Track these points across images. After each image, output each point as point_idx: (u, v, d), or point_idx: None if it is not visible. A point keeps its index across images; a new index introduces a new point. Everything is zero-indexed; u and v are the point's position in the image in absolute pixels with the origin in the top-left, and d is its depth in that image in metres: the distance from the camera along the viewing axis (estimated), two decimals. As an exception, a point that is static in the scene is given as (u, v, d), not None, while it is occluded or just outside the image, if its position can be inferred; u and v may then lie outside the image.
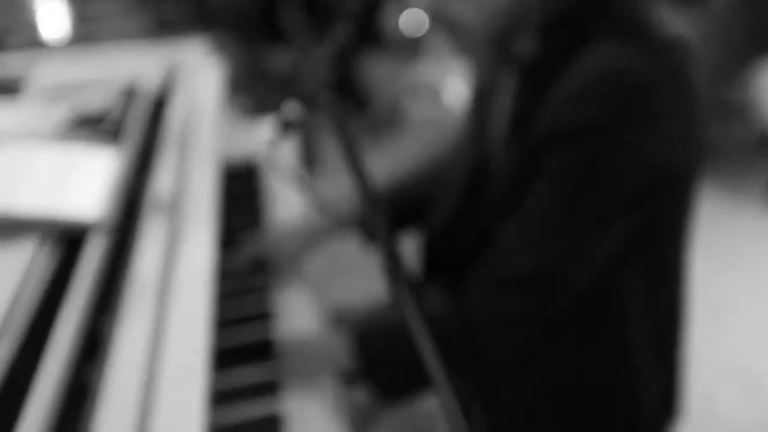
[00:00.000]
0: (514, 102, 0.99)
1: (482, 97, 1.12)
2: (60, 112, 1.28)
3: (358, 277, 2.43)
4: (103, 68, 1.54)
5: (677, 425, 1.15)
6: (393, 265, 0.64)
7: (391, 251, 0.66)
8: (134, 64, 1.55)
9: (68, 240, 0.92)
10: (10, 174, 1.00)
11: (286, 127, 0.96)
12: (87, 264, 0.88)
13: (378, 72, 4.69)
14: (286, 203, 1.47)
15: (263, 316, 1.14)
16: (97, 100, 1.34)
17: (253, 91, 4.83)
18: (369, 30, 4.99)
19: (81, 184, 1.00)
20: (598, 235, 0.88)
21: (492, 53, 0.99)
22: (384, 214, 0.73)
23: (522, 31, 0.92)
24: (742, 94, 3.39)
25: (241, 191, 1.51)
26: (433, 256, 1.23)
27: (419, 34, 4.54)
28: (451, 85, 4.09)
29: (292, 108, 0.95)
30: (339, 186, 1.06)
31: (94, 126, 1.24)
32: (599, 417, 1.05)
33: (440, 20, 0.95)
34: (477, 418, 1.01)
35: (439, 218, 1.18)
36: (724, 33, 3.46)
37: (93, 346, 0.79)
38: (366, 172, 0.79)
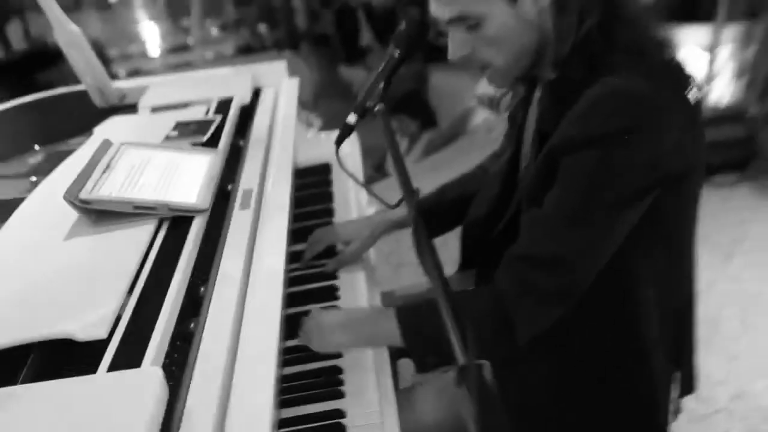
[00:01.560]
0: (538, 120, 1.08)
1: (516, 116, 1.21)
2: (169, 122, 1.45)
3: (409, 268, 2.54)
4: (205, 86, 1.70)
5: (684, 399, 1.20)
6: (429, 258, 0.75)
7: (426, 245, 0.77)
8: (231, 82, 1.71)
9: (182, 220, 1.08)
10: (135, 170, 1.17)
11: (346, 133, 1.05)
12: (192, 239, 1.04)
13: (446, 88, 4.74)
14: (352, 200, 1.61)
15: (328, 291, 1.28)
16: (198, 113, 1.51)
17: (332, 103, 4.95)
18: (435, 50, 5.05)
19: (188, 178, 1.17)
20: (608, 224, 0.93)
21: (519, 84, 1.09)
22: (417, 209, 0.85)
23: (543, 64, 1.01)
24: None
25: (316, 188, 1.66)
26: (471, 245, 1.32)
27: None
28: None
29: (352, 118, 1.04)
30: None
31: (195, 133, 1.38)
32: (616, 390, 1.09)
33: (475, 62, 1.02)
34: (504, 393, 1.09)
35: (478, 213, 1.27)
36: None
37: (195, 303, 0.95)
38: (407, 176, 0.91)
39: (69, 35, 1.63)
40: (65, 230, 1.07)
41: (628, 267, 1.01)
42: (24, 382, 0.80)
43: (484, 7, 0.94)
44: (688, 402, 1.23)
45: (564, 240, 0.96)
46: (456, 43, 1.01)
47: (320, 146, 1.80)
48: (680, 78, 0.97)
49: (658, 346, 1.07)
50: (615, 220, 0.95)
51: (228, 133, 1.42)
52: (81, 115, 1.69)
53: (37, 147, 1.74)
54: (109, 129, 1.49)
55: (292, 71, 1.83)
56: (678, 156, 0.95)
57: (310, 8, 6.25)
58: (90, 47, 1.67)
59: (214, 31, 7.32)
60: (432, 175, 3.45)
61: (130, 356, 0.81)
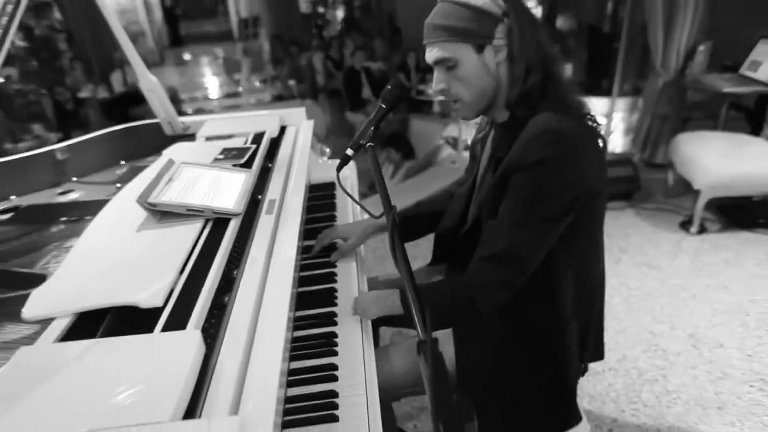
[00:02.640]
0: (493, 148, 1.09)
1: (477, 146, 1.20)
2: (214, 149, 1.43)
3: (389, 260, 2.53)
4: (246, 122, 1.68)
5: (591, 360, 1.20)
6: (400, 254, 0.75)
7: (398, 245, 0.77)
8: (264, 120, 1.70)
9: (222, 220, 1.06)
10: (190, 182, 1.15)
11: (345, 161, 1.06)
12: (229, 235, 1.02)
13: (422, 131, 4.78)
14: (349, 209, 1.59)
15: (329, 275, 1.26)
16: (238, 142, 1.49)
17: (339, 138, 4.96)
18: (416, 104, 5.10)
19: (229, 190, 1.15)
20: (546, 228, 0.94)
21: (478, 116, 1.08)
22: (394, 222, 0.84)
23: (497, 105, 1.02)
24: (665, 154, 3.39)
25: (324, 200, 1.65)
26: (443, 245, 1.30)
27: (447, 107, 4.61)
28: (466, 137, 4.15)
29: (350, 151, 1.05)
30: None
31: (236, 157, 1.37)
32: (547, 339, 1.08)
33: (447, 96, 1.02)
34: (465, 346, 1.09)
35: (448, 222, 1.26)
36: (653, 113, 3.46)
37: (228, 284, 0.93)
38: (387, 196, 0.91)
39: (149, 83, 1.62)
40: (137, 225, 1.05)
41: (555, 259, 1.00)
42: (101, 336, 0.78)
43: (459, 53, 0.96)
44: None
45: (513, 242, 0.96)
46: (438, 80, 1.02)
47: (328, 169, 1.78)
48: (591, 124, 0.98)
49: (572, 319, 1.07)
50: (551, 224, 0.95)
51: (259, 157, 1.40)
52: (155, 141, 1.67)
53: (122, 162, 1.73)
54: (174, 151, 1.46)
55: (311, 114, 1.82)
56: (592, 178, 0.96)
57: (326, 69, 6.28)
58: (164, 91, 1.66)
59: (257, 83, 7.33)
60: (411, 192, 3.48)
61: (178, 320, 0.79)
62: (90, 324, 0.81)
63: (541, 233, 0.96)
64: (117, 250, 0.98)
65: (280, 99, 6.37)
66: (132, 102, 5.65)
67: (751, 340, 2.09)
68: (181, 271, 0.90)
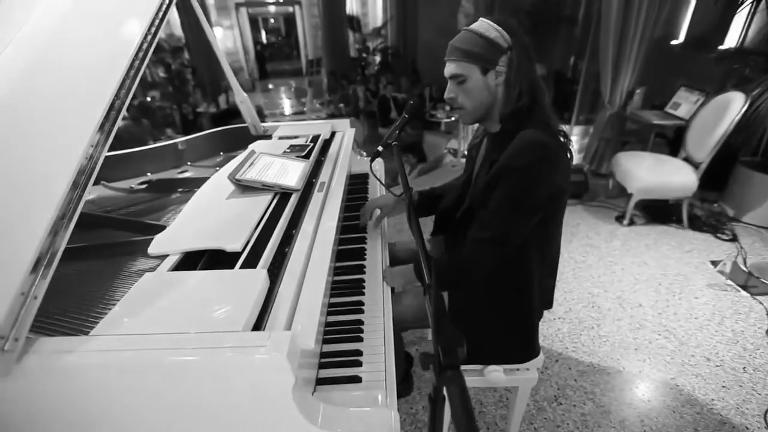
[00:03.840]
0: (486, 153, 1.01)
1: (473, 150, 1.12)
2: (284, 145, 1.38)
3: (406, 232, 2.47)
4: (308, 128, 1.62)
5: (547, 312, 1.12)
6: (415, 227, 0.69)
7: (414, 220, 0.72)
8: (320, 127, 1.65)
9: (286, 194, 1.03)
10: (265, 166, 1.12)
11: (376, 155, 1.01)
12: (290, 205, 0.98)
13: (432, 142, 4.66)
14: (378, 193, 1.54)
15: (361, 250, 1.21)
16: (302, 141, 1.45)
17: (372, 146, 4.90)
18: (429, 122, 4.98)
19: (292, 173, 1.11)
20: (528, 217, 0.88)
21: (475, 123, 1.01)
22: (411, 200, 0.79)
23: (491, 118, 0.96)
24: (608, 166, 3.24)
25: (360, 185, 1.59)
26: (442, 222, 1.23)
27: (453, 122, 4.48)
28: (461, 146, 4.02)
29: (380, 148, 1.00)
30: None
31: (299, 151, 1.32)
32: (518, 295, 1.01)
33: (454, 104, 0.95)
34: (457, 296, 1.03)
35: (447, 205, 1.19)
36: (601, 136, 3.30)
37: (288, 239, 0.89)
38: (407, 181, 0.87)
39: (241, 97, 1.58)
40: (227, 195, 1.02)
41: (529, 239, 0.93)
42: (200, 269, 0.76)
43: (468, 71, 0.90)
44: (546, 313, 1.15)
45: (501, 227, 0.89)
46: (449, 89, 0.95)
47: (364, 164, 1.73)
48: (564, 140, 0.90)
49: (536, 281, 1.01)
50: (531, 214, 0.88)
51: (315, 152, 1.35)
52: (244, 138, 1.64)
53: (221, 153, 1.70)
54: (256, 145, 1.42)
55: (353, 127, 1.77)
56: (562, 181, 0.90)
57: (365, 97, 6.18)
58: (251, 105, 1.61)
59: (317, 105, 7.27)
60: (422, 185, 3.36)
61: (251, 262, 0.76)
62: (194, 260, 0.79)
63: (522, 221, 0.89)
64: (213, 212, 0.96)
65: (332, 117, 6.29)
66: (232, 116, 5.67)
67: (662, 303, 1.99)
68: (256, 228, 0.87)
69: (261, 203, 0.96)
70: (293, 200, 1.01)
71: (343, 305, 0.93)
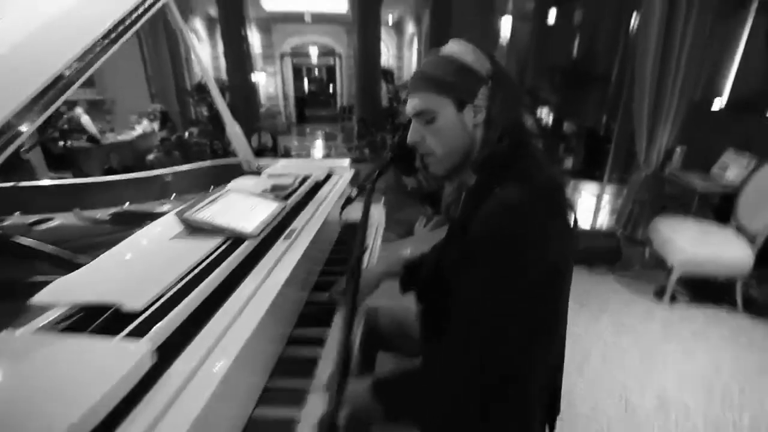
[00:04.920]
0: (461, 214, 0.78)
1: (449, 208, 0.91)
2: (267, 184, 1.25)
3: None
4: (303, 168, 1.48)
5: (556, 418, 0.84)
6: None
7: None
8: (317, 167, 1.51)
9: (237, 240, 0.84)
10: (227, 206, 0.96)
11: (348, 202, 0.84)
12: (237, 254, 0.80)
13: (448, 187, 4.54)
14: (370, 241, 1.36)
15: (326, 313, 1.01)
16: (288, 180, 1.31)
17: (394, 193, 4.81)
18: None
19: (256, 216, 0.94)
20: (515, 328, 0.62)
21: (449, 176, 0.79)
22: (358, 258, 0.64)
23: (467, 167, 0.75)
24: (644, 232, 2.92)
25: (352, 238, 1.42)
26: (410, 281, 0.98)
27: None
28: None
29: (354, 192, 0.83)
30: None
31: (280, 191, 1.18)
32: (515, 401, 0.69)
33: (421, 149, 0.76)
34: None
35: (423, 268, 0.94)
36: (635, 198, 3.02)
37: (218, 298, 0.71)
38: (364, 236, 0.70)
39: (232, 129, 1.50)
40: (172, 235, 0.85)
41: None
42: (91, 332, 0.57)
43: (439, 106, 0.71)
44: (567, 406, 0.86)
45: (475, 353, 0.63)
46: (414, 131, 0.76)
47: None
48: (559, 196, 0.67)
49: (537, 405, 0.74)
50: (524, 318, 0.63)
51: (298, 194, 1.20)
52: (235, 174, 1.52)
53: (211, 188, 1.60)
54: (237, 182, 1.29)
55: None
56: (559, 253, 0.64)
57: (391, 146, 6.25)
58: (244, 137, 1.52)
59: (344, 150, 7.39)
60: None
61: (144, 330, 0.57)
62: (90, 318, 0.60)
63: (507, 335, 0.62)
64: (144, 255, 0.79)
65: (357, 161, 6.34)
66: (259, 154, 5.83)
67: (716, 408, 1.60)
68: (179, 282, 0.69)
69: (202, 249, 0.79)
70: (243, 249, 0.83)
71: (278, 391, 0.71)
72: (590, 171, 4.43)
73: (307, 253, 0.94)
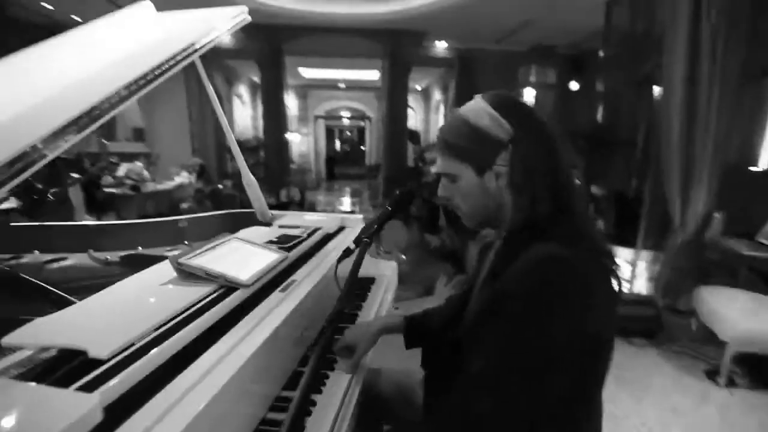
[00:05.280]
0: (492, 262, 0.73)
1: (485, 251, 0.84)
2: (275, 234, 1.24)
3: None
4: (314, 220, 1.49)
5: None
6: None
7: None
8: (329, 221, 1.51)
9: (230, 289, 0.81)
10: (227, 253, 0.94)
11: (346, 254, 0.80)
12: (225, 304, 0.76)
13: (474, 255, 4.40)
14: (376, 300, 1.29)
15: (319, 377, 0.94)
16: (296, 232, 1.29)
17: (416, 250, 4.75)
18: (473, 233, 4.78)
19: (253, 265, 0.91)
20: (533, 381, 0.56)
21: (482, 226, 0.75)
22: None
23: (502, 220, 0.70)
24: (687, 302, 2.65)
25: (360, 290, 1.36)
26: (430, 353, 0.89)
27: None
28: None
29: (352, 245, 0.79)
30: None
31: (285, 242, 1.15)
32: None
33: (450, 204, 0.75)
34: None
35: (435, 328, 0.90)
36: (676, 265, 2.80)
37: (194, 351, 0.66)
38: (350, 286, 0.70)
39: (248, 180, 1.53)
40: (165, 280, 0.83)
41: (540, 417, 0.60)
42: (59, 378, 0.52)
43: (459, 171, 0.70)
44: None
45: (494, 393, 0.58)
46: (442, 187, 0.74)
47: (376, 266, 1.52)
48: (607, 261, 0.61)
49: None
50: (544, 371, 0.56)
51: (303, 245, 1.17)
52: (250, 223, 1.53)
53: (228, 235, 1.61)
54: (248, 231, 1.29)
55: (398, 233, 1.63)
56: (599, 319, 0.58)
57: (418, 205, 6.28)
58: (258, 188, 1.55)
59: (369, 207, 7.50)
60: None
61: (102, 381, 0.52)
62: (67, 360, 0.56)
63: (527, 385, 0.56)
64: (129, 299, 0.76)
65: (380, 218, 6.39)
66: (285, 207, 6.01)
67: None
68: (157, 329, 0.65)
69: (191, 297, 0.76)
70: (233, 298, 0.79)
71: None
72: (622, 235, 4.22)
73: (302, 307, 0.88)
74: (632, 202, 4.09)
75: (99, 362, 0.55)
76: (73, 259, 1.27)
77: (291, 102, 10.59)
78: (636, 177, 4.33)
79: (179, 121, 6.92)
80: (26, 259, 1.24)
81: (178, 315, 0.69)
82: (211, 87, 1.34)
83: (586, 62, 6.82)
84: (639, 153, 4.39)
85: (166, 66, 0.92)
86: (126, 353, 0.58)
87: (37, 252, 1.30)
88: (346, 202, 8.61)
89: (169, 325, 0.66)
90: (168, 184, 5.70)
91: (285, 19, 5.96)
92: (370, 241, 0.77)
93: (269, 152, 7.64)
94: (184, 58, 1.00)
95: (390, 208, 0.81)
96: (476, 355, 0.60)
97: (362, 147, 14.58)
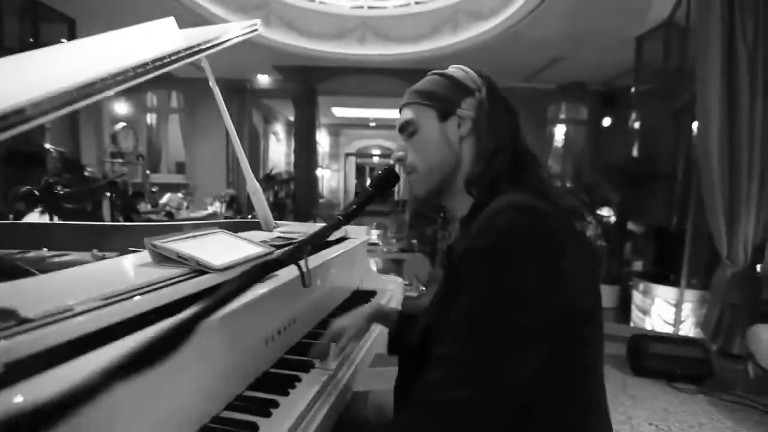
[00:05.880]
0: (454, 240, 0.67)
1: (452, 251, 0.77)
2: (269, 236, 1.21)
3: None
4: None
5: None
6: None
7: None
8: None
9: (202, 272, 0.76)
10: (209, 243, 0.91)
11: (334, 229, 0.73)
12: (198, 284, 0.71)
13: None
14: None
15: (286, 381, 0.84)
16: (293, 236, 1.25)
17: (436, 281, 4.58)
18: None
19: (231, 253, 0.87)
20: (512, 339, 0.47)
21: (431, 198, 0.69)
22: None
23: (454, 188, 0.65)
24: (742, 344, 2.32)
25: (359, 302, 1.26)
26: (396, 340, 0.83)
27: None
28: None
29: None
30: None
31: (275, 243, 1.11)
32: None
33: (404, 168, 0.70)
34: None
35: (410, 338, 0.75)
36: (726, 301, 2.48)
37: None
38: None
39: (253, 188, 1.53)
40: (142, 263, 0.80)
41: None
42: None
43: (422, 117, 0.67)
44: None
45: (463, 357, 0.49)
46: (398, 147, 0.71)
47: (375, 282, 1.43)
48: (576, 220, 0.55)
49: None
50: (524, 327, 0.48)
51: (293, 248, 1.11)
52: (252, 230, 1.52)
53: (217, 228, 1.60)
54: (248, 233, 1.25)
55: (420, 265, 1.56)
56: (579, 285, 0.51)
57: (443, 238, 6.18)
58: (263, 197, 1.54)
59: (392, 240, 7.40)
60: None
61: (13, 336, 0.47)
62: None
63: (505, 345, 0.47)
64: (92, 275, 0.74)
65: (403, 251, 6.24)
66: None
67: None
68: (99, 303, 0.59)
69: (153, 276, 0.71)
70: (199, 281, 0.73)
71: None
72: (663, 274, 3.87)
73: (272, 299, 0.81)
74: (673, 237, 3.78)
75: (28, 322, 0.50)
76: (74, 255, 1.28)
77: (323, 139, 11.03)
78: (677, 211, 4.04)
79: (217, 156, 7.33)
80: (32, 254, 1.27)
81: (133, 290, 0.64)
82: (218, 91, 1.37)
83: (618, 98, 6.69)
84: (679, 186, 4.12)
85: (169, 60, 0.95)
86: (58, 317, 0.53)
87: (45, 249, 1.32)
88: (373, 233, 8.62)
89: (117, 298, 0.61)
90: (200, 213, 5.94)
91: (319, 61, 6.34)
92: (343, 220, 0.70)
93: (299, 186, 7.87)
94: (189, 55, 1.02)
95: (371, 188, 0.75)
96: (443, 336, 0.50)
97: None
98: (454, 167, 0.65)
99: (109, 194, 3.16)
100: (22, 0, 4.16)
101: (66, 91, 0.70)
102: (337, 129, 11.62)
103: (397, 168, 0.76)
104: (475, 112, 0.63)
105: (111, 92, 0.83)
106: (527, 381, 0.48)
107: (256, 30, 1.33)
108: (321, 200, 9.42)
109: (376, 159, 14.28)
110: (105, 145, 6.34)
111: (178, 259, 0.78)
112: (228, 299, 0.39)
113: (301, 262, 0.58)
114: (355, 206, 0.73)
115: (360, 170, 14.78)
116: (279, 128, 9.69)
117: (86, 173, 3.79)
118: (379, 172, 0.77)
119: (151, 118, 7.44)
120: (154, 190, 6.31)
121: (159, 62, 0.93)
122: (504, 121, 0.62)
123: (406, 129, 0.69)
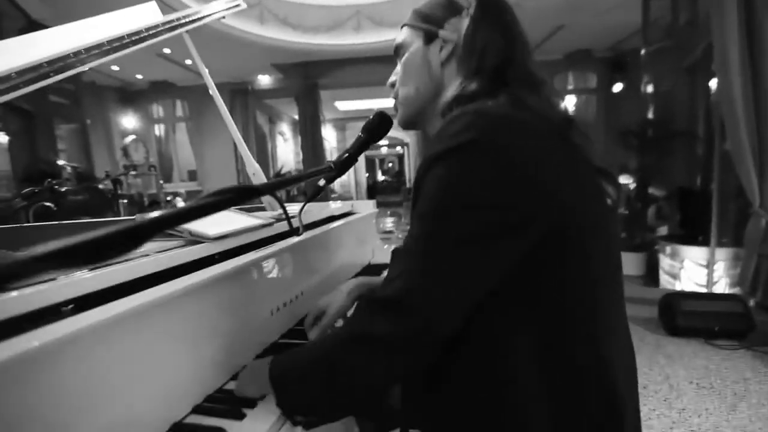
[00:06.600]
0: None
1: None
2: (272, 215, 1.15)
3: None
4: (329, 208, 1.37)
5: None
6: None
7: None
8: (339, 205, 1.41)
9: (195, 243, 0.72)
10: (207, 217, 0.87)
11: (318, 192, 0.73)
12: (189, 253, 0.67)
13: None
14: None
15: None
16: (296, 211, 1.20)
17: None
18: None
19: (229, 224, 0.82)
20: (458, 259, 0.43)
21: (411, 126, 0.65)
22: None
23: (431, 113, 0.61)
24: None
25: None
26: None
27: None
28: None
29: (322, 182, 0.69)
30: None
31: (278, 218, 1.06)
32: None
33: (394, 95, 0.65)
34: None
35: None
36: (760, 252, 2.33)
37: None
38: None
39: (253, 168, 1.48)
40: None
41: (494, 330, 0.45)
42: None
43: (411, 38, 0.62)
44: None
45: (407, 278, 0.45)
46: (394, 72, 0.66)
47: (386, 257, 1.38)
48: (555, 117, 0.49)
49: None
50: (467, 253, 0.43)
51: (297, 220, 1.05)
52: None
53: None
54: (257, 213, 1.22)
55: None
56: (556, 175, 0.45)
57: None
58: (264, 177, 1.49)
59: (407, 226, 7.35)
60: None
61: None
62: None
63: (451, 267, 0.43)
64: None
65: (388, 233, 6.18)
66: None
67: None
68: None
69: (144, 247, 0.67)
70: (191, 251, 0.68)
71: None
72: (691, 235, 3.69)
73: (261, 269, 0.76)
74: (699, 197, 3.59)
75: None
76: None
77: (330, 135, 10.99)
78: (700, 170, 3.83)
79: (227, 160, 7.38)
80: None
81: (125, 259, 0.60)
82: (206, 71, 1.32)
83: (627, 62, 6.41)
84: (700, 144, 3.92)
85: (146, 33, 0.91)
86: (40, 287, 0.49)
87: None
88: (388, 221, 8.66)
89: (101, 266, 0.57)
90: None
91: (317, 55, 6.27)
92: (335, 170, 0.65)
93: (308, 182, 7.87)
94: (169, 29, 0.99)
95: (363, 135, 0.69)
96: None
97: (401, 175, 14.70)
98: (434, 95, 0.60)
99: (123, 201, 3.19)
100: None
101: (36, 64, 0.67)
102: (343, 123, 11.56)
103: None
104: (458, 35, 0.57)
105: (86, 67, 0.80)
106: (486, 281, 0.44)
107: (238, 5, 1.28)
108: (333, 195, 9.42)
109: (384, 150, 14.21)
110: (117, 158, 6.46)
111: (173, 232, 0.74)
112: (194, 213, 0.34)
113: (289, 208, 0.52)
114: (347, 155, 0.67)
115: (370, 163, 14.75)
116: (285, 128, 9.70)
117: (101, 186, 3.85)
118: (371, 116, 0.71)
119: (159, 129, 7.53)
120: (168, 199, 6.40)
121: (136, 36, 0.89)
122: (493, 41, 0.54)
123: (398, 52, 0.64)
